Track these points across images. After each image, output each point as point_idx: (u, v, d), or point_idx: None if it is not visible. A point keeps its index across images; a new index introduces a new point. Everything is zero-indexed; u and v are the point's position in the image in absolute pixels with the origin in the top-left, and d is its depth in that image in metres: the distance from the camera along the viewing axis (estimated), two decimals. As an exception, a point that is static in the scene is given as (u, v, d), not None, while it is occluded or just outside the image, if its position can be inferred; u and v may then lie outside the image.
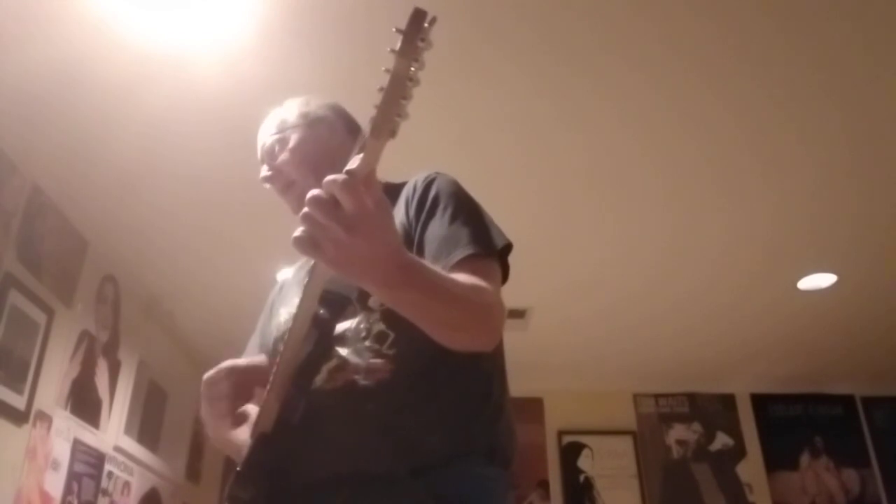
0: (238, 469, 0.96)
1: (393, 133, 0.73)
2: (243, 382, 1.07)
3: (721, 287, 3.26)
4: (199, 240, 2.88)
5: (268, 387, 0.98)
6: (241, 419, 1.05)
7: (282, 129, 1.24)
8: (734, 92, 2.13)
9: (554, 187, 2.59)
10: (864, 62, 2.01)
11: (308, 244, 0.75)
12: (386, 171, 1.19)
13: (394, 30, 0.71)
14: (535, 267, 2.97)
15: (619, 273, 3.16)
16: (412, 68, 0.72)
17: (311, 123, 1.24)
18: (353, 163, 0.74)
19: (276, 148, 1.22)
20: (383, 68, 0.72)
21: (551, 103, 2.18)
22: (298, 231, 0.75)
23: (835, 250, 2.98)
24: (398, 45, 0.71)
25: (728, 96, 2.14)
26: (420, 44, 0.71)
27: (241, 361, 1.10)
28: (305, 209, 0.74)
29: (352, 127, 1.29)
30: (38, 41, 1.90)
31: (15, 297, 2.32)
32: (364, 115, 1.29)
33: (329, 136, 1.24)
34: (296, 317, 0.95)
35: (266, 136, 1.25)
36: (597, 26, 1.90)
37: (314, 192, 0.74)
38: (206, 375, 1.08)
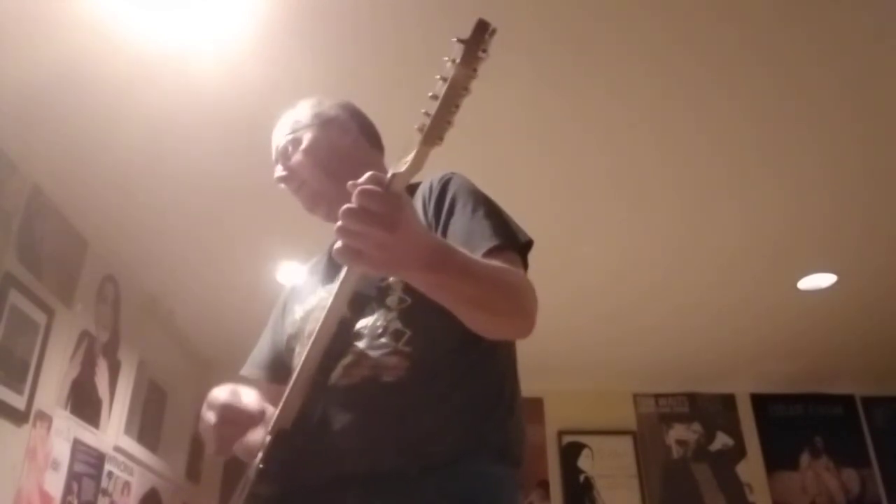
0: (258, 466, 0.97)
1: (441, 140, 0.75)
2: (233, 423, 1.03)
3: (721, 287, 3.26)
4: (199, 240, 2.88)
5: (290, 384, 0.99)
6: (229, 452, 1.05)
7: (295, 130, 1.25)
8: (744, 93, 2.12)
9: (563, 187, 2.59)
10: (874, 62, 2.01)
11: (352, 255, 0.76)
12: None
13: (454, 40, 0.73)
14: (536, 266, 2.96)
15: (621, 274, 3.16)
16: (470, 78, 0.74)
17: (323, 124, 1.25)
18: (401, 166, 0.76)
19: (290, 148, 1.23)
20: (437, 77, 0.74)
21: (564, 103, 2.17)
22: (339, 244, 0.76)
23: (835, 250, 2.97)
24: (460, 56, 0.73)
25: (738, 98, 2.14)
26: (481, 55, 0.73)
27: (235, 400, 1.04)
28: (339, 223, 0.75)
29: (364, 126, 1.30)
30: (38, 41, 1.90)
31: (15, 297, 2.32)
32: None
33: (341, 135, 1.25)
34: (325, 318, 0.96)
35: (280, 136, 1.27)
36: (611, 26, 1.90)
37: (347, 206, 0.75)
38: (208, 397, 1.06)
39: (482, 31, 0.73)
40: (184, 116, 2.18)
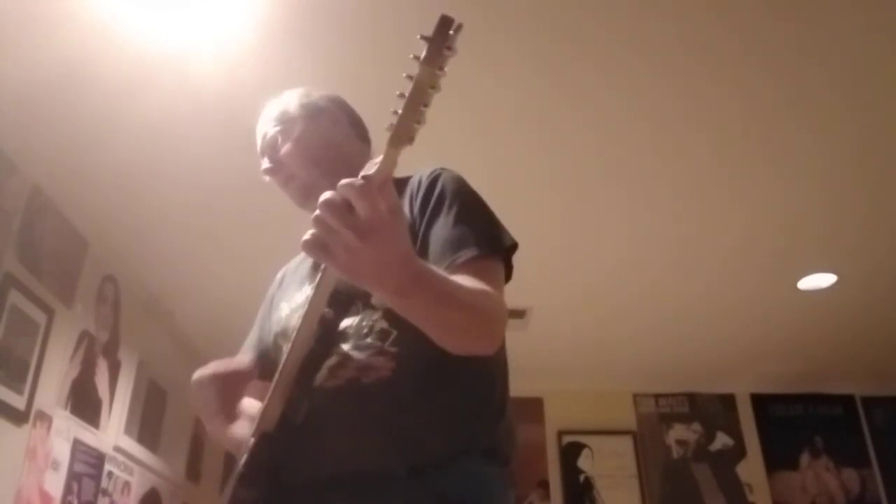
0: (240, 469, 0.96)
1: (411, 140, 0.72)
2: (228, 385, 1.09)
3: (721, 287, 3.26)
4: (199, 240, 2.88)
5: (272, 386, 0.98)
6: (235, 416, 1.07)
7: (283, 121, 1.20)
8: (745, 93, 2.13)
9: (562, 187, 2.59)
10: (872, 61, 2.01)
11: (318, 248, 0.73)
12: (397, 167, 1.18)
13: (419, 37, 0.70)
14: (536, 267, 2.97)
15: (621, 274, 3.16)
16: (436, 76, 0.70)
17: (312, 115, 1.21)
18: (370, 168, 0.73)
19: (279, 139, 1.19)
20: (404, 74, 0.71)
21: (563, 99, 2.17)
22: (308, 234, 0.73)
23: (835, 250, 2.98)
24: (423, 53, 0.70)
25: (738, 98, 2.14)
26: (446, 52, 0.70)
27: (223, 367, 1.10)
28: (317, 212, 0.71)
29: (354, 120, 1.26)
30: (38, 42, 1.90)
31: (15, 297, 2.32)
32: (367, 114, 1.30)
33: (332, 127, 1.21)
34: (304, 317, 0.94)
35: (267, 126, 1.22)
36: (610, 21, 1.89)
37: (327, 194, 0.71)
38: (194, 378, 1.10)
39: (446, 28, 0.70)
40: (184, 116, 2.18)
